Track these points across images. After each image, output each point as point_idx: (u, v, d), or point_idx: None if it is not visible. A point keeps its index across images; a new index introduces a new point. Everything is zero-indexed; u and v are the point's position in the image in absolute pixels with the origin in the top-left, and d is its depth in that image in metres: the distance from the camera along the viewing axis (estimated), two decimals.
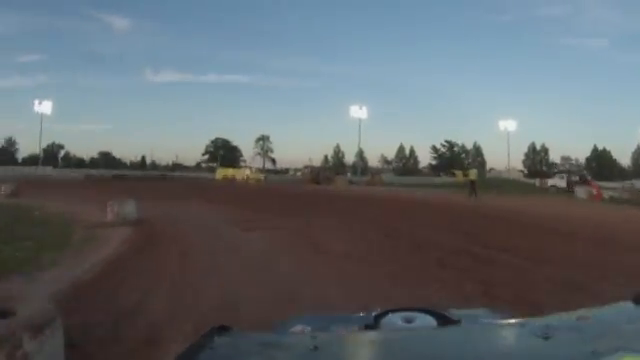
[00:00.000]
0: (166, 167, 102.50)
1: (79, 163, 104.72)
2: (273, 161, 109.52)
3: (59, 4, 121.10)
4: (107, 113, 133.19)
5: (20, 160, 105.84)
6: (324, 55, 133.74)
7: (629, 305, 1.34)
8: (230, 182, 56.18)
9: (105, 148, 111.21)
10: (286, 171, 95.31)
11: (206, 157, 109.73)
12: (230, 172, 65.68)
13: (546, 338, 1.07)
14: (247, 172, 65.42)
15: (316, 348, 1.08)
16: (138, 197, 15.97)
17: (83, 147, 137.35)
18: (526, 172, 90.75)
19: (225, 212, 17.85)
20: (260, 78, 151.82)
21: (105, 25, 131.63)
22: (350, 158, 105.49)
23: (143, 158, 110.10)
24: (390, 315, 1.51)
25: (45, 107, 78.48)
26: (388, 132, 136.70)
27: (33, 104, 78.46)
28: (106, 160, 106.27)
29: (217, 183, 54.46)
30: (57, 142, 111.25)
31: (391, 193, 36.90)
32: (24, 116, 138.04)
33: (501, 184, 51.72)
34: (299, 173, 77.52)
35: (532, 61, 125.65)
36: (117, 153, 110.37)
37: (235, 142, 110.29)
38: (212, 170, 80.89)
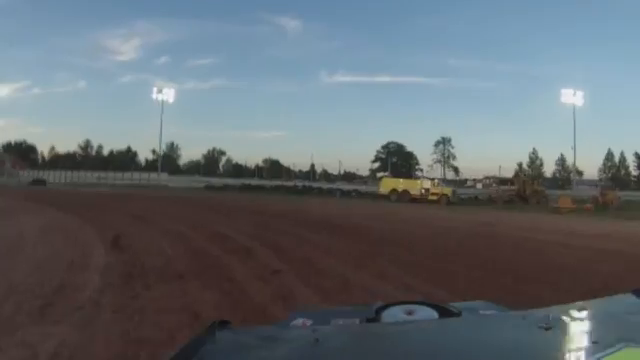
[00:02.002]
0: (337, 177, 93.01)
1: (238, 171, 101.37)
2: (456, 170, 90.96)
3: (232, 8, 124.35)
4: (279, 118, 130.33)
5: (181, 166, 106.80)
6: (499, 54, 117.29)
7: (630, 297, 1.35)
8: (400, 196, 43.57)
9: (274, 155, 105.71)
10: (464, 182, 75.66)
11: (376, 165, 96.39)
12: (401, 184, 46.76)
13: (547, 329, 1.07)
14: (426, 184, 45.70)
15: (317, 341, 1.09)
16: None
17: (250, 154, 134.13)
18: None
19: None
20: (438, 79, 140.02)
21: (278, 28, 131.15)
22: (549, 167, 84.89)
23: (312, 167, 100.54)
24: (391, 308, 1.48)
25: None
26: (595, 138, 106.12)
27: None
28: (271, 168, 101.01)
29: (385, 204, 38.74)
30: (219, 148, 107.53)
31: None
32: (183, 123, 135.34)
33: None
34: (479, 185, 61.12)
35: None
36: (285, 161, 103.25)
37: (409, 148, 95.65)
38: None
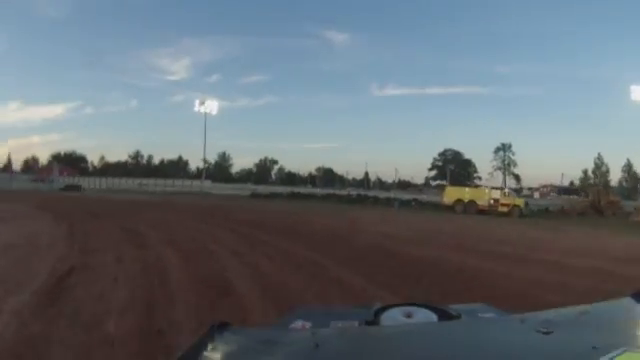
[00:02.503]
0: (392, 185, 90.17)
1: (290, 179, 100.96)
2: (517, 178, 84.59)
3: (279, 23, 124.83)
4: (331, 130, 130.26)
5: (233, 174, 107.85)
6: (550, 57, 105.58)
7: (629, 301, 1.33)
8: (466, 208, 38.03)
9: (326, 165, 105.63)
10: (519, 191, 68.30)
11: (433, 173, 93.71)
12: (467, 193, 40.73)
13: (546, 333, 1.06)
14: (495, 194, 39.07)
15: (317, 345, 1.07)
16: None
17: (303, 164, 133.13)
18: None
19: None
20: (489, 87, 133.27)
21: (326, 41, 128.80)
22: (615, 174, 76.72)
23: (366, 175, 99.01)
24: (390, 310, 1.47)
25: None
26: None
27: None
28: (324, 176, 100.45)
29: (454, 217, 31.35)
30: (270, 157, 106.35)
31: None
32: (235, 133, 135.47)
33: None
34: (536, 194, 57.77)
35: None
36: (338, 170, 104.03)
37: (467, 155, 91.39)
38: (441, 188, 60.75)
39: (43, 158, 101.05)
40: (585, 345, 0.96)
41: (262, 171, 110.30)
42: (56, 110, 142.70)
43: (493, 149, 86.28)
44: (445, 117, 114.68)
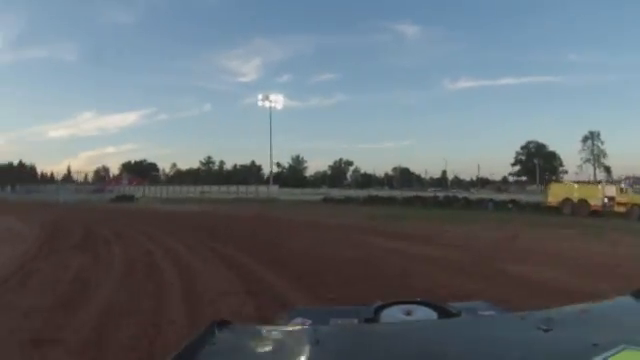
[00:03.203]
0: (470, 183, 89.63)
1: (366, 181, 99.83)
2: (607, 170, 74.22)
3: (349, 20, 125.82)
4: (405, 127, 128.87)
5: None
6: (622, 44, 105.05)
7: (629, 299, 1.32)
8: (575, 208, 30.11)
9: (402, 164, 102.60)
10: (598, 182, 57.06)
11: (516, 168, 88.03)
12: (576, 191, 32.24)
13: (547, 331, 1.06)
14: (609, 191, 30.54)
15: (317, 342, 1.07)
16: None
17: (378, 164, 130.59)
18: None
19: None
20: (562, 77, 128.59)
21: (397, 36, 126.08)
22: None
23: (444, 173, 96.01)
24: (390, 308, 1.46)
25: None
26: None
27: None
28: (401, 176, 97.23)
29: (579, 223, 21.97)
30: (345, 159, 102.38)
31: None
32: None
33: None
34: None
35: None
36: (415, 169, 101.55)
37: (551, 147, 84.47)
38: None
39: (115, 167, 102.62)
40: (585, 342, 0.96)
41: (337, 173, 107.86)
42: (130, 118, 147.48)
43: (580, 139, 78.14)
44: (522, 108, 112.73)
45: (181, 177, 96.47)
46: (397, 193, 48.23)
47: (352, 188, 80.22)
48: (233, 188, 63.47)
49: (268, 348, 1.12)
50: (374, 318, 1.40)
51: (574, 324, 1.15)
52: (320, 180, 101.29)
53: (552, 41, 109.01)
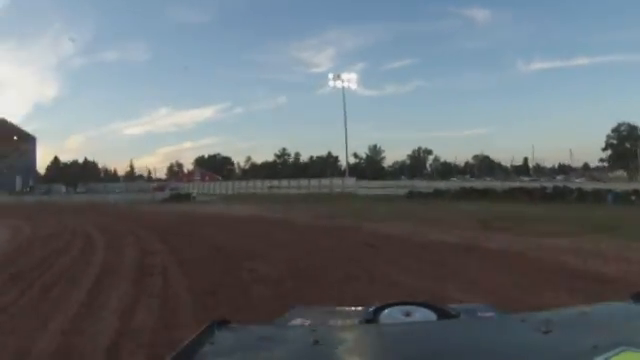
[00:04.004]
0: (553, 170, 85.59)
1: (446, 170, 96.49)
2: None
3: (419, 6, 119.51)
4: (481, 113, 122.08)
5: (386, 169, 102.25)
6: None
7: (629, 302, 1.34)
8: None
9: (483, 151, 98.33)
10: None
11: (607, 153, 78.39)
12: None
13: (546, 333, 1.07)
14: None
15: (316, 342, 1.08)
16: None
17: (456, 151, 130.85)
18: None
19: None
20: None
21: (467, 20, 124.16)
22: None
23: (525, 161, 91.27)
24: (389, 309, 1.45)
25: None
26: None
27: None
28: (481, 165, 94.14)
29: None
30: (424, 147, 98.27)
31: None
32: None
33: None
34: None
35: None
36: (495, 156, 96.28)
37: None
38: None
39: (190, 163, 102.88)
40: (584, 345, 0.96)
41: (416, 163, 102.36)
42: (206, 112, 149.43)
43: None
44: (602, 88, 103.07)
45: (256, 171, 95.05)
46: (496, 184, 41.38)
47: (433, 179, 75.10)
48: (304, 182, 58.56)
49: (267, 348, 1.10)
50: (373, 319, 1.38)
51: (573, 326, 1.14)
52: (399, 171, 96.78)
53: (626, 18, 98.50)
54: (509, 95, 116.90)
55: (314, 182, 57.57)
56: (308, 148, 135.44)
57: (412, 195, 40.00)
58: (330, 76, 63.63)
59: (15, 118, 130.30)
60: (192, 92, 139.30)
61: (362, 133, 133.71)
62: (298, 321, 1.46)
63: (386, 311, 1.42)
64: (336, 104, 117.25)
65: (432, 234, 14.30)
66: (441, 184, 47.03)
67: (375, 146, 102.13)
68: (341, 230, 16.61)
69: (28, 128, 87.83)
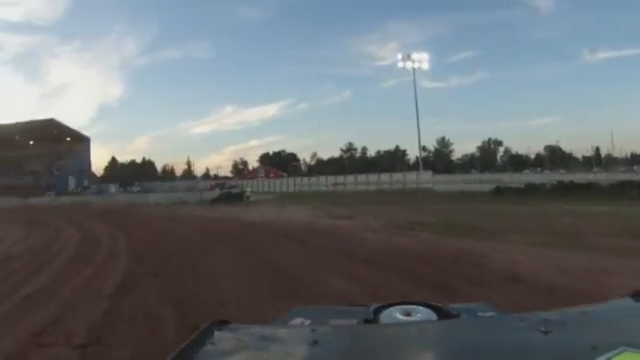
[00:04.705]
0: (625, 161, 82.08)
1: (518, 162, 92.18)
2: None
3: None
4: (549, 103, 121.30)
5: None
6: None
7: (629, 301, 1.34)
8: None
9: (550, 141, 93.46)
10: None
11: None
12: None
13: (546, 333, 1.07)
14: None
15: (316, 342, 1.08)
16: None
17: (526, 142, 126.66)
18: None
19: None
20: None
21: (532, 9, 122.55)
22: None
23: (597, 150, 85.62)
24: (389, 309, 1.45)
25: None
26: None
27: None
28: (552, 156, 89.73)
29: None
30: (494, 138, 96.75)
31: None
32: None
33: None
34: None
35: None
36: (567, 147, 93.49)
37: None
38: None
39: (254, 161, 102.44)
40: (584, 345, 0.96)
41: (486, 155, 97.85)
42: (271, 109, 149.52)
43: None
44: None
45: (322, 166, 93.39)
46: (600, 177, 36.63)
47: (506, 171, 71.47)
48: (374, 177, 53.55)
49: (267, 348, 1.10)
50: (373, 319, 1.38)
51: (573, 326, 1.14)
52: (468, 164, 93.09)
53: None
54: (576, 84, 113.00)
55: (384, 177, 52.93)
56: (375, 142, 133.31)
57: (500, 191, 35.31)
58: (399, 56, 58.60)
59: (79, 119, 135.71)
60: (257, 89, 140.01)
61: (428, 126, 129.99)
62: (298, 321, 1.45)
63: (386, 311, 1.40)
64: (402, 96, 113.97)
65: (613, 271, 7.45)
66: (533, 177, 42.42)
67: (443, 139, 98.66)
68: (454, 263, 9.04)
69: (91, 130, 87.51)
